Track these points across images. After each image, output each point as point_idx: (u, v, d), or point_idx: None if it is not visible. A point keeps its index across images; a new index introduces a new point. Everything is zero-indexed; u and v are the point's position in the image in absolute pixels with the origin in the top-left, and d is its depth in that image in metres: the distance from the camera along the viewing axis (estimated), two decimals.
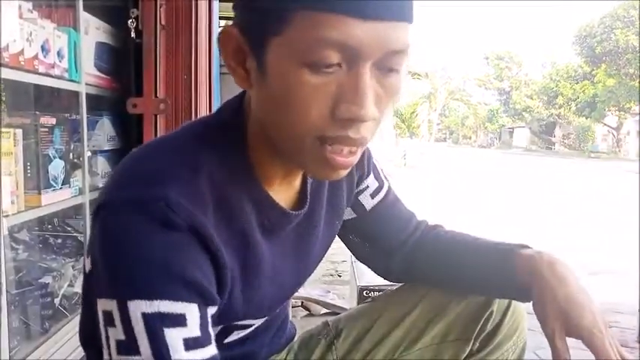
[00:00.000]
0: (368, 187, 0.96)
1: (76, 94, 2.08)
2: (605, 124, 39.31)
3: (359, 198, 0.96)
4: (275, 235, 0.76)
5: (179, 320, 0.59)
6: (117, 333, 0.59)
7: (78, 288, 2.05)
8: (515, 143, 51.93)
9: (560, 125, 45.07)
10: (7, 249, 1.68)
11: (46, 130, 1.83)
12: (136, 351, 0.58)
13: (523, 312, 0.99)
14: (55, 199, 1.86)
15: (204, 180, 0.66)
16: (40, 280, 1.94)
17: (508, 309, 0.96)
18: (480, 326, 0.95)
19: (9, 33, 1.61)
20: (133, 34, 2.32)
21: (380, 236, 0.99)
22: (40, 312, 1.88)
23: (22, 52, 1.68)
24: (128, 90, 2.37)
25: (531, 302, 0.85)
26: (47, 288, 1.93)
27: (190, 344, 0.60)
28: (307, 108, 0.61)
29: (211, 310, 0.65)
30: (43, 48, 1.80)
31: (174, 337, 0.58)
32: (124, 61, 2.40)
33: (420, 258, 0.99)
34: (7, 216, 1.64)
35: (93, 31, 2.23)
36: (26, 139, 1.73)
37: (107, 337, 0.60)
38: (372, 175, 0.97)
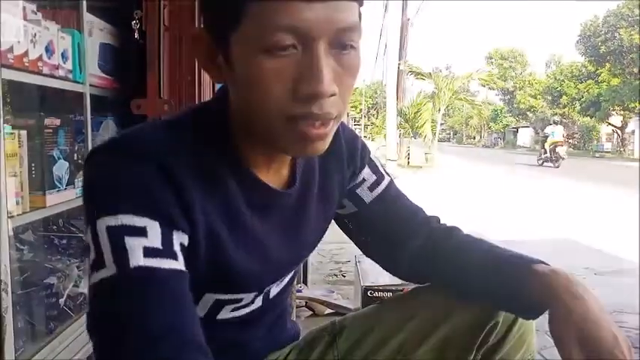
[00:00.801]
0: (365, 180, 0.97)
1: (80, 96, 2.08)
2: (609, 124, 39.14)
3: (357, 192, 0.97)
4: (264, 212, 0.80)
5: (139, 231, 0.64)
6: (91, 254, 0.65)
7: (83, 288, 2.06)
8: (520, 143, 51.82)
9: (565, 125, 44.97)
10: (12, 250, 1.69)
11: (51, 131, 1.84)
12: (102, 263, 0.63)
13: (532, 327, 0.95)
14: (59, 200, 1.87)
15: (186, 149, 0.71)
16: (45, 281, 1.94)
17: (515, 323, 0.92)
18: (482, 337, 0.92)
19: (13, 34, 1.62)
20: (136, 35, 2.33)
21: (383, 229, 0.98)
22: (45, 312, 1.88)
23: (26, 54, 1.68)
24: (132, 91, 2.38)
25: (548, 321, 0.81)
26: (52, 288, 1.94)
27: (150, 253, 0.64)
28: (270, 91, 0.66)
29: (180, 237, 0.68)
30: (47, 49, 1.81)
31: (133, 244, 0.63)
32: (127, 63, 2.41)
33: (429, 255, 0.97)
34: (12, 217, 1.65)
35: (97, 32, 2.24)
36: (31, 140, 1.74)
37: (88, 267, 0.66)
38: (367, 169, 0.98)
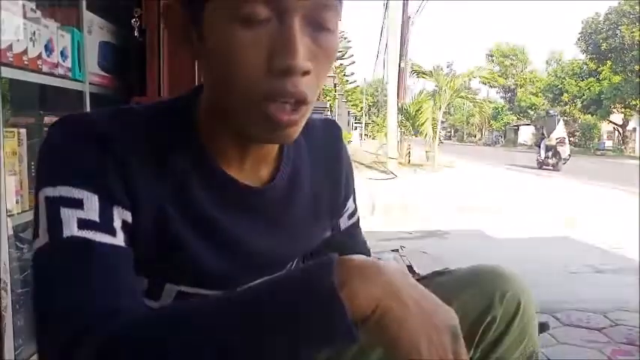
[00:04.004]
0: (348, 209, 0.97)
1: (80, 94, 2.08)
2: (610, 122, 39.12)
3: (339, 221, 0.96)
4: (238, 209, 0.77)
5: (75, 203, 0.64)
6: (33, 225, 0.65)
7: None
8: (520, 141, 51.79)
9: (566, 123, 44.93)
10: (12, 248, 1.69)
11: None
12: (37, 233, 0.64)
13: (533, 319, 0.90)
14: None
15: (137, 136, 0.70)
16: None
17: (515, 317, 0.88)
18: (480, 333, 0.88)
19: (12, 32, 1.61)
20: (136, 33, 2.32)
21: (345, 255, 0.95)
22: None
23: (25, 52, 1.68)
24: (132, 89, 2.38)
25: None
26: None
27: (84, 224, 0.63)
28: (244, 62, 0.64)
29: (121, 214, 0.66)
30: (46, 47, 1.80)
31: (68, 215, 0.63)
32: (127, 60, 2.41)
33: None
34: (11, 215, 1.65)
35: (96, 30, 2.24)
36: (30, 138, 1.74)
37: None
38: (352, 198, 0.97)
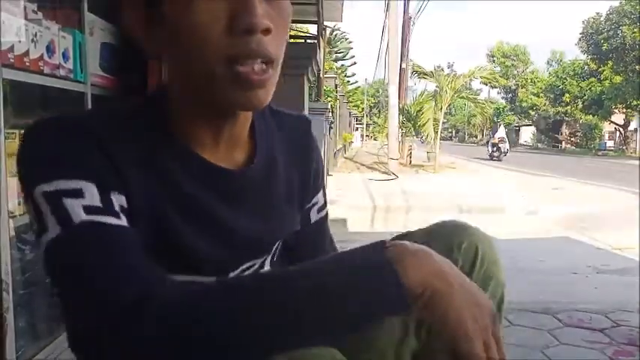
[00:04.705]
0: (317, 202, 0.98)
1: (81, 95, 2.08)
2: (612, 122, 39.08)
3: (310, 212, 0.98)
4: (218, 191, 0.78)
5: (76, 193, 0.64)
6: (35, 225, 0.65)
7: None
8: (522, 141, 51.76)
9: (567, 123, 44.86)
10: (13, 249, 1.69)
11: None
12: (45, 227, 0.64)
13: (493, 261, 0.90)
14: None
15: (118, 127, 0.72)
16: (46, 281, 1.94)
17: (475, 262, 0.88)
18: None
19: (14, 34, 1.62)
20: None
21: (311, 253, 0.94)
22: (46, 312, 1.88)
23: (27, 53, 1.68)
24: (133, 90, 2.38)
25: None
26: (53, 288, 1.93)
27: (91, 210, 0.64)
28: (206, 30, 0.66)
29: (118, 199, 0.67)
30: (48, 49, 1.81)
31: (72, 204, 0.63)
32: (129, 62, 2.41)
33: None
34: (13, 217, 1.65)
35: (98, 31, 2.24)
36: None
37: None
38: (321, 192, 0.99)
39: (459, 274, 0.63)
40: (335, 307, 0.60)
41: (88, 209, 0.64)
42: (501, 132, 23.61)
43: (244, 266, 0.85)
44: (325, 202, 1.01)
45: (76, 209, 0.63)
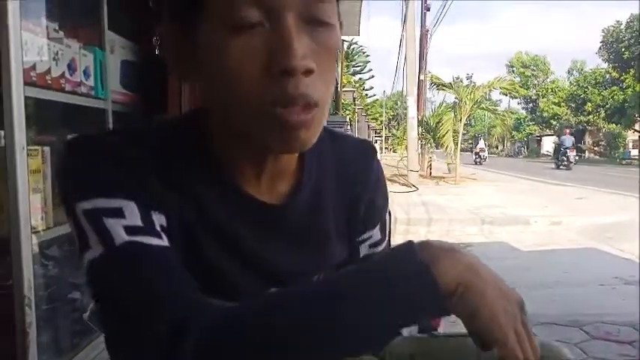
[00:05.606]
0: (370, 238, 0.91)
1: (102, 111, 2.11)
2: (635, 130, 38.38)
3: (360, 247, 0.90)
4: (260, 226, 0.75)
5: (116, 212, 0.63)
6: (76, 243, 0.64)
7: None
8: (543, 152, 51.14)
9: (590, 132, 44.25)
10: (37, 265, 1.71)
11: None
12: (87, 245, 0.62)
13: None
14: None
15: (153, 152, 0.69)
16: (69, 296, 1.96)
17: None
18: None
19: (36, 53, 1.65)
20: (157, 52, 2.35)
21: None
22: (69, 327, 1.89)
23: (48, 71, 1.71)
24: (154, 106, 2.40)
25: None
26: (76, 303, 1.95)
27: (132, 231, 0.62)
28: (242, 71, 0.61)
29: (159, 218, 0.66)
30: (69, 67, 1.84)
31: (113, 223, 0.62)
32: (149, 79, 2.44)
33: None
34: (36, 232, 1.67)
35: (118, 49, 2.28)
36: (54, 156, 1.76)
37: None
38: (377, 228, 0.91)
39: (487, 268, 0.63)
40: (373, 314, 0.59)
41: (130, 229, 0.62)
42: (481, 144, 32.48)
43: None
44: (383, 239, 0.92)
45: (117, 229, 0.62)
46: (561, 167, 22.42)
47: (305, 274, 0.82)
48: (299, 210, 0.78)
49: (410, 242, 0.62)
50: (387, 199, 0.94)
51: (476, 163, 27.85)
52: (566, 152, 22.57)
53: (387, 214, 0.94)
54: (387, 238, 0.94)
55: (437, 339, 0.95)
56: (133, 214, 0.63)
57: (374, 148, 0.92)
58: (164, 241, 0.64)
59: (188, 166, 0.71)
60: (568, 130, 24.83)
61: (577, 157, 23.52)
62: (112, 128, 0.69)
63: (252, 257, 0.75)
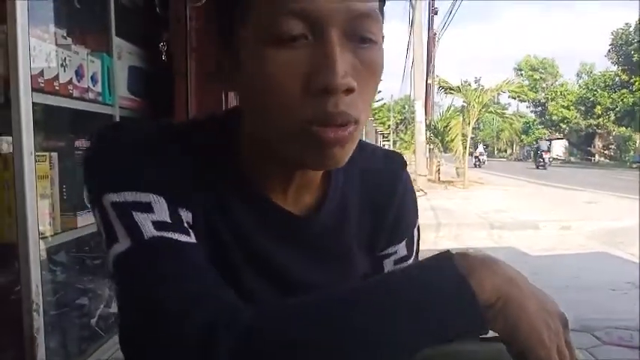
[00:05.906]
0: (397, 252, 0.87)
1: (110, 117, 2.12)
2: None
3: (384, 262, 0.87)
4: (286, 238, 0.74)
5: (145, 207, 0.62)
6: (102, 234, 0.63)
7: (114, 309, 2.07)
8: (553, 155, 50.87)
9: (600, 135, 43.96)
10: (44, 270, 1.71)
11: (81, 152, 1.87)
12: (115, 238, 0.61)
13: None
14: (90, 221, 1.88)
15: (184, 154, 0.68)
16: (77, 302, 1.96)
17: None
18: None
19: (44, 59, 1.65)
20: (164, 57, 2.36)
21: None
22: (77, 333, 1.90)
23: (56, 78, 1.72)
24: (161, 112, 2.41)
25: None
26: (84, 309, 1.95)
27: (160, 226, 0.61)
28: (281, 85, 0.59)
29: (186, 215, 0.66)
30: (77, 73, 1.85)
31: (142, 218, 0.61)
32: (156, 84, 2.45)
33: None
34: (44, 237, 1.67)
35: (126, 55, 2.28)
36: (62, 161, 1.77)
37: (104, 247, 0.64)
38: (404, 243, 0.87)
39: (527, 280, 0.61)
40: (408, 325, 0.57)
41: (158, 225, 0.62)
42: (480, 148, 34.48)
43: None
44: (410, 256, 0.88)
45: (145, 224, 0.61)
46: (539, 167, 27.79)
47: (326, 286, 0.78)
48: (324, 223, 0.77)
49: (447, 252, 0.59)
50: (417, 214, 0.89)
51: (475, 166, 29.64)
52: (542, 155, 28.42)
53: (416, 230, 0.89)
54: (413, 255, 0.89)
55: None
56: (162, 210, 0.63)
57: (403, 160, 0.90)
58: (192, 238, 0.64)
59: (217, 170, 0.70)
60: (544, 138, 30.88)
61: (551, 159, 30.66)
62: (142, 119, 0.67)
63: (274, 266, 0.74)
